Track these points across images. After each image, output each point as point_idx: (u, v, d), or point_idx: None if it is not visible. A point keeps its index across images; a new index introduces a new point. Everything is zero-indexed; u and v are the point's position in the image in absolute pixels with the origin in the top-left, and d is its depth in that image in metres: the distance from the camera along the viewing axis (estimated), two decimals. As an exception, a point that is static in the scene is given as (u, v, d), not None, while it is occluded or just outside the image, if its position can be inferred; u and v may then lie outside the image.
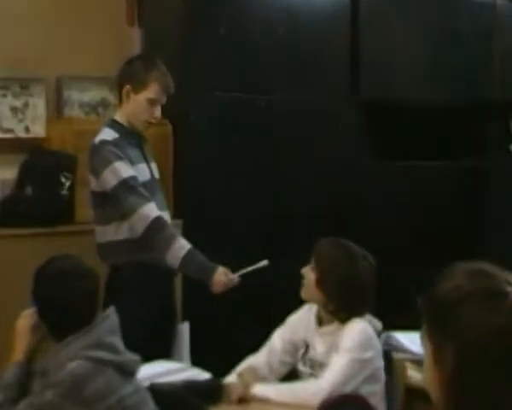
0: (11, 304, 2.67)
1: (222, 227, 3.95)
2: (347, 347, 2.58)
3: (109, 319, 2.32)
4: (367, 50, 4.33)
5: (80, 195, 3.56)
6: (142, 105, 3.18)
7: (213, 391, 2.64)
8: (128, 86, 3.19)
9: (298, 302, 2.79)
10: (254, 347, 2.86)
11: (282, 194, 4.10)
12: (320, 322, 2.75)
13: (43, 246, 3.28)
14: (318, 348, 2.71)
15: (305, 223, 4.12)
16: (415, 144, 4.38)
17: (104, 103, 4.06)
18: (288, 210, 4.11)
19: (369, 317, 2.70)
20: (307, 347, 2.76)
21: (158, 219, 3.07)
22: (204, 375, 2.81)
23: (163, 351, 3.14)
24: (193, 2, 4.00)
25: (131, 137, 3.21)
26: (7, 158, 3.76)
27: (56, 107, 3.99)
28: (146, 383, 2.51)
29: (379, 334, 2.76)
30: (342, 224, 4.11)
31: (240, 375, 2.74)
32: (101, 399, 2.19)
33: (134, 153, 3.18)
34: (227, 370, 2.81)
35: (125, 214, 3.09)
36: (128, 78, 3.21)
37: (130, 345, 2.37)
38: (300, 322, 2.80)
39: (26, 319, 2.35)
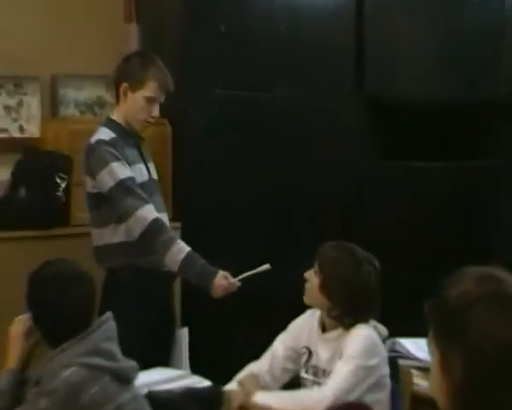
0: (4, 309, 2.67)
1: (222, 230, 3.95)
2: (352, 353, 2.58)
3: (106, 324, 2.32)
4: (372, 46, 4.33)
5: (76, 196, 3.56)
6: (139, 104, 3.19)
7: (213, 399, 2.64)
8: (125, 84, 3.19)
9: (300, 307, 2.79)
10: (256, 353, 2.86)
11: (284, 194, 4.10)
12: (323, 328, 2.75)
13: (37, 249, 3.28)
14: (322, 354, 2.71)
15: (307, 223, 4.13)
16: (419, 143, 4.38)
17: (100, 102, 4.06)
18: (288, 210, 4.12)
19: (374, 322, 2.70)
20: (310, 353, 2.76)
21: (156, 222, 3.07)
22: (204, 382, 2.81)
23: (161, 358, 3.14)
24: (192, -3, 4.02)
25: (129, 136, 3.21)
26: (0, 158, 3.77)
27: (51, 106, 3.99)
28: (144, 391, 2.52)
29: (384, 340, 2.75)
30: (343, 223, 4.13)
31: (241, 383, 2.74)
32: (98, 407, 2.19)
33: (131, 153, 3.18)
34: (227, 377, 2.81)
35: (121, 217, 3.09)
36: (125, 75, 3.21)
37: (128, 351, 2.37)
38: (303, 328, 2.80)
39: (20, 324, 2.35)
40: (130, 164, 3.13)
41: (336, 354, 2.65)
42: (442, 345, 1.33)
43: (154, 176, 3.30)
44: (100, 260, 3.20)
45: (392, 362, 2.81)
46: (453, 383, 1.30)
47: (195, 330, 3.38)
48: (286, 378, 2.83)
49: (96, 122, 3.43)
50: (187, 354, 3.26)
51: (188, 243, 3.12)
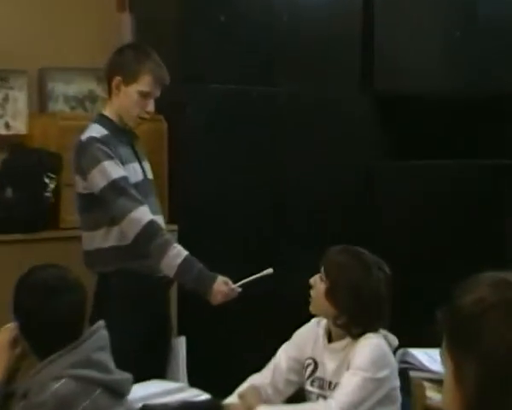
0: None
1: (221, 233, 3.96)
2: (360, 365, 2.58)
3: (98, 334, 2.32)
4: (380, 37, 4.34)
5: (65, 197, 3.56)
6: (133, 98, 3.19)
7: (212, 414, 2.64)
8: (118, 78, 3.20)
9: (305, 312, 2.78)
10: (257, 365, 2.85)
11: (284, 193, 4.11)
12: (330, 338, 2.75)
13: (24, 254, 3.29)
14: (328, 366, 2.71)
15: (308, 224, 4.15)
16: (430, 140, 4.39)
17: (92, 97, 4.07)
18: (289, 211, 4.12)
19: (383, 332, 2.70)
20: (316, 365, 2.75)
21: (151, 224, 3.07)
22: (202, 396, 2.81)
23: (157, 369, 3.14)
24: (190, -15, 4.02)
25: (122, 133, 3.21)
26: (-15, 157, 3.77)
27: (39, 101, 3.99)
28: (138, 405, 2.52)
29: (395, 351, 2.75)
30: (346, 224, 4.13)
31: (241, 396, 2.74)
32: (89, 422, 2.19)
33: (125, 151, 3.18)
34: (227, 390, 2.81)
35: (114, 219, 3.09)
36: (118, 68, 3.22)
37: (121, 362, 2.38)
38: (308, 338, 2.80)
39: (6, 334, 2.35)
40: (123, 163, 3.13)
41: (343, 366, 2.64)
42: (456, 355, 1.33)
43: (149, 175, 3.30)
44: (91, 265, 3.21)
45: (403, 374, 2.82)
46: (467, 395, 1.30)
47: (193, 339, 3.38)
48: (290, 391, 2.83)
49: (86, 118, 3.43)
50: (184, 364, 3.26)
51: (185, 246, 3.12)
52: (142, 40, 3.98)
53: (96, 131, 3.14)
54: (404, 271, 2.88)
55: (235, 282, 3.11)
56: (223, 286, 3.07)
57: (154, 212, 3.15)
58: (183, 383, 3.06)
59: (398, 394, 2.69)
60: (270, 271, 3.12)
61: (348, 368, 2.60)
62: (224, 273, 3.11)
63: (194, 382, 3.06)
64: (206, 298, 3.09)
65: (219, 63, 3.99)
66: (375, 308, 2.66)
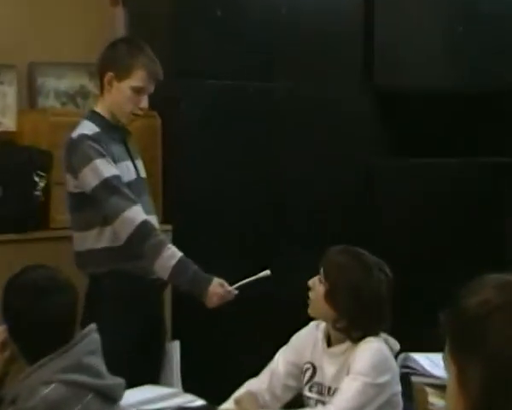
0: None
1: (217, 233, 3.96)
2: (360, 370, 2.58)
3: (89, 337, 2.32)
4: (381, 31, 4.34)
5: (56, 196, 3.56)
6: (126, 94, 3.19)
7: (207, 420, 2.64)
8: (110, 73, 3.20)
9: (303, 316, 2.78)
10: (254, 369, 2.85)
11: (282, 192, 4.11)
12: (329, 341, 2.75)
13: (13, 254, 3.28)
14: (327, 371, 2.71)
15: (307, 224, 4.15)
16: (431, 137, 4.39)
17: (83, 92, 4.06)
18: (287, 210, 4.13)
19: (384, 335, 2.70)
20: (314, 370, 2.76)
21: (144, 224, 3.07)
22: (197, 401, 2.81)
23: (150, 374, 3.15)
24: (185, -22, 4.02)
25: (114, 131, 3.21)
26: (-28, 155, 3.77)
27: (29, 96, 3.99)
28: (131, 411, 2.52)
29: (396, 355, 2.75)
30: (345, 224, 4.13)
31: (238, 402, 2.74)
32: (80, 428, 2.19)
33: (117, 149, 3.18)
34: (223, 396, 2.81)
35: (106, 219, 3.10)
36: (110, 63, 3.22)
37: (113, 367, 2.38)
38: (307, 341, 2.80)
39: (-5, 337, 2.35)
40: (115, 161, 3.14)
41: (343, 371, 2.64)
42: (460, 358, 1.33)
43: (143, 174, 3.30)
44: (82, 267, 3.20)
45: (405, 379, 2.82)
46: (471, 399, 1.30)
47: (188, 342, 3.39)
48: (287, 397, 2.83)
49: (78, 114, 3.43)
50: (178, 369, 3.26)
51: (179, 247, 3.12)
52: (135, 34, 3.98)
53: (87, 128, 3.14)
54: (404, 271, 2.88)
55: (231, 284, 3.11)
56: (218, 288, 3.08)
57: (147, 212, 3.15)
58: (178, 389, 3.06)
59: (399, 400, 2.69)
60: (267, 273, 3.12)
61: (348, 373, 2.60)
62: (220, 275, 3.11)
63: (188, 387, 3.06)
64: (201, 301, 3.09)
65: (215, 58, 3.99)
66: (375, 311, 2.66)
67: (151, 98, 3.27)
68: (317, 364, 2.75)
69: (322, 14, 4.23)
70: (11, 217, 3.52)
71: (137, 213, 3.08)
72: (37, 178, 3.55)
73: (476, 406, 1.30)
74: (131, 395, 2.60)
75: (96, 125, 3.16)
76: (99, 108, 3.24)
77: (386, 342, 2.68)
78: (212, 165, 3.97)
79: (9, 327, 2.31)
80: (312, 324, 2.83)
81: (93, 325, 2.37)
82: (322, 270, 2.72)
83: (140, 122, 3.42)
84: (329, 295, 2.68)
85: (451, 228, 4.48)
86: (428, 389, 2.80)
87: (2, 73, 3.85)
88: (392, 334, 2.71)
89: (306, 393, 2.77)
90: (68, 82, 4.03)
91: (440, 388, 2.68)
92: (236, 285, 3.12)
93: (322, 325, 2.78)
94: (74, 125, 3.18)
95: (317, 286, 2.72)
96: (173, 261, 3.05)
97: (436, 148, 4.47)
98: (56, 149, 3.42)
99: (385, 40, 4.36)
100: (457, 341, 1.35)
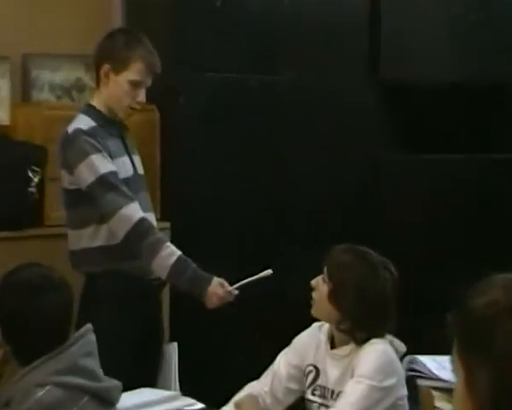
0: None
1: (217, 231, 3.96)
2: (365, 372, 2.58)
3: (85, 338, 2.33)
4: (388, 21, 4.34)
5: (50, 193, 3.56)
6: (123, 87, 3.19)
7: (207, 424, 2.65)
8: (107, 65, 3.20)
9: (306, 316, 2.78)
10: (255, 372, 2.86)
11: (284, 188, 4.11)
12: (332, 343, 2.75)
13: (7, 252, 3.29)
14: (330, 373, 2.71)
15: (309, 222, 4.15)
16: (440, 132, 4.39)
17: (79, 85, 4.06)
18: (289, 207, 4.13)
19: (389, 337, 2.70)
20: (317, 372, 2.76)
21: (142, 222, 3.07)
22: (196, 405, 2.81)
23: (147, 376, 3.15)
24: (184, -33, 4.02)
25: (111, 125, 3.21)
26: (-36, 149, 3.77)
27: (22, 89, 3.99)
28: (128, 415, 2.52)
29: (402, 357, 2.76)
30: (349, 222, 4.13)
31: (238, 405, 2.75)
32: (75, 432, 2.20)
33: (114, 144, 3.19)
34: (223, 399, 2.82)
35: (103, 216, 3.10)
36: (107, 55, 3.22)
37: (110, 369, 2.38)
38: (309, 343, 2.80)
39: (-13, 338, 2.36)
40: (112, 157, 3.14)
41: (347, 373, 2.64)
42: (468, 360, 1.33)
43: (140, 170, 3.31)
44: (77, 266, 3.21)
45: (411, 382, 2.82)
46: (480, 402, 1.31)
47: (186, 344, 3.39)
48: (289, 400, 2.83)
49: (73, 108, 3.43)
50: (176, 371, 3.27)
51: (178, 245, 3.12)
52: (132, 25, 3.98)
53: (83, 122, 3.14)
54: (408, 270, 2.87)
55: (231, 284, 3.11)
56: (219, 288, 3.08)
57: (145, 209, 3.15)
58: (176, 392, 3.06)
59: (405, 403, 2.69)
60: (269, 272, 3.12)
61: (352, 376, 2.61)
62: (220, 275, 3.12)
63: (187, 390, 3.06)
64: (200, 301, 3.09)
65: (215, 50, 3.99)
66: (380, 311, 2.66)
67: (149, 91, 3.27)
68: (320, 366, 2.75)
69: (325, 4, 4.23)
70: (4, 214, 3.52)
71: (135, 211, 3.08)
72: (31, 174, 3.56)
73: (485, 409, 1.31)
74: (128, 399, 2.60)
75: (92, 119, 3.16)
76: (95, 102, 3.24)
77: (392, 343, 2.68)
78: (213, 160, 3.97)
79: (2, 328, 2.32)
80: (315, 325, 2.83)
81: (89, 326, 2.38)
82: (325, 269, 2.72)
83: (137, 116, 3.42)
84: (333, 296, 2.68)
85: (460, 226, 4.48)
86: (435, 393, 2.80)
87: (-6, 65, 3.85)
88: (397, 335, 2.72)
89: (309, 396, 2.77)
90: (64, 74, 4.03)
91: (448, 391, 2.68)
92: (237, 285, 3.12)
93: (326, 326, 2.79)
94: (69, 120, 3.18)
95: (320, 286, 2.72)
96: (172, 260, 3.05)
97: (443, 143, 4.47)
98: (51, 144, 3.42)
99: (391, 30, 4.35)
100: (465, 342, 1.35)
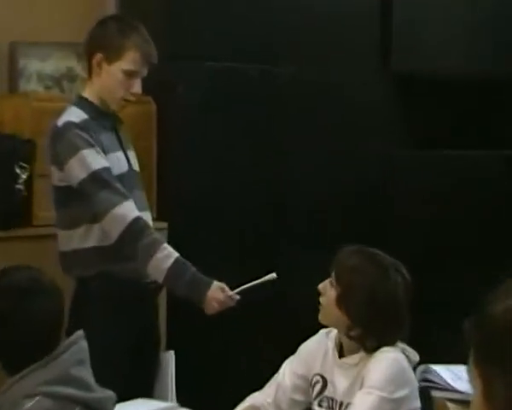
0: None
1: (216, 232, 3.96)
2: (375, 383, 2.58)
3: (76, 345, 2.33)
4: (399, 11, 4.34)
5: (39, 190, 3.57)
6: (117, 78, 3.20)
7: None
8: (100, 54, 3.20)
9: (312, 321, 2.79)
10: (257, 381, 2.86)
11: (286, 186, 4.12)
12: (341, 352, 2.76)
13: (-8, 254, 3.30)
14: (338, 384, 2.71)
15: (313, 222, 4.15)
16: (455, 128, 4.40)
17: (70, 76, 4.07)
18: (291, 205, 4.14)
19: (402, 345, 2.70)
20: (325, 382, 2.76)
21: (137, 222, 3.08)
22: (194, 417, 2.82)
23: (143, 386, 3.15)
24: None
25: (104, 118, 3.22)
26: None
27: (9, 79, 3.99)
28: (122, 427, 2.53)
29: (415, 367, 2.76)
30: (355, 224, 4.14)
31: (240, 417, 2.76)
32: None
33: (107, 138, 3.19)
34: (223, 410, 2.83)
35: (95, 215, 3.10)
36: (100, 44, 3.22)
37: (103, 379, 2.38)
38: (316, 351, 2.80)
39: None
40: (105, 152, 3.14)
41: (356, 384, 2.65)
42: (485, 370, 1.34)
43: (135, 166, 3.31)
44: (68, 269, 3.21)
45: (424, 394, 2.82)
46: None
47: (184, 352, 3.40)
48: (295, 413, 2.84)
49: (64, 100, 3.44)
50: (173, 381, 3.27)
51: (175, 247, 3.13)
52: (127, 12, 3.98)
53: (74, 114, 3.15)
54: (422, 272, 2.88)
55: (232, 288, 3.12)
56: (219, 293, 3.08)
57: (140, 208, 3.15)
58: (172, 403, 3.07)
59: (418, 416, 2.70)
60: (273, 276, 3.13)
61: (361, 387, 2.61)
62: (220, 279, 3.12)
63: (184, 400, 3.07)
64: (199, 306, 3.10)
65: (214, 38, 4.00)
66: (392, 317, 2.66)
67: (145, 82, 3.27)
68: (327, 376, 2.75)
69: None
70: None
71: (129, 210, 3.09)
72: (18, 170, 3.56)
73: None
74: (122, 409, 2.61)
75: (84, 111, 3.17)
76: (87, 93, 3.24)
77: (404, 352, 2.68)
78: (212, 155, 3.97)
79: (-12, 334, 2.33)
80: (322, 332, 2.83)
81: (80, 333, 2.38)
82: (333, 273, 2.72)
83: (132, 109, 3.42)
84: (342, 300, 2.68)
85: (473, 226, 4.49)
86: (450, 405, 2.80)
87: (-21, 53, 3.86)
88: (409, 343, 2.72)
89: (316, 408, 2.77)
90: (53, 64, 4.04)
91: (464, 403, 2.68)
92: (238, 290, 3.12)
93: (333, 333, 2.79)
94: (59, 112, 3.18)
95: (328, 291, 2.72)
96: (169, 263, 3.05)
97: (458, 139, 4.48)
98: (40, 138, 3.43)
99: (403, 20, 4.36)
100: (483, 351, 1.36)
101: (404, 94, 4.36)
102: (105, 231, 3.10)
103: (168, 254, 3.07)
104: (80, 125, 3.11)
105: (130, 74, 3.20)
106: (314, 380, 2.78)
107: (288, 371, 2.82)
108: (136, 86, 3.23)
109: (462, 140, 4.46)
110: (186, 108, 3.95)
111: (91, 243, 3.15)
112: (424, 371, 2.93)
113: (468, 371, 1.39)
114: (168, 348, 3.48)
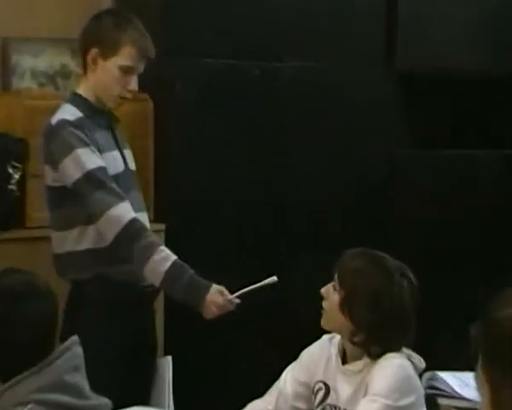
0: None
1: (215, 234, 3.96)
2: (379, 390, 2.58)
3: (71, 351, 2.33)
4: (405, 6, 4.34)
5: (33, 191, 3.56)
6: (113, 74, 3.20)
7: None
8: (95, 50, 3.20)
9: (312, 322, 2.79)
10: (257, 388, 2.86)
11: (286, 186, 4.12)
12: (344, 358, 2.76)
13: (-15, 257, 3.29)
14: (342, 391, 2.71)
15: (314, 223, 4.15)
16: (458, 126, 4.40)
17: (64, 72, 4.07)
18: (292, 205, 4.13)
19: (407, 351, 2.70)
20: (327, 390, 2.76)
21: (133, 223, 3.08)
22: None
23: (139, 393, 3.16)
24: None
25: (99, 116, 3.22)
26: None
27: (2, 77, 3.99)
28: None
29: (421, 374, 2.76)
30: (356, 224, 4.14)
31: (239, 425, 2.76)
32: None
33: (103, 137, 3.19)
34: (222, 419, 2.83)
35: (90, 217, 3.10)
36: (95, 39, 3.22)
37: (98, 385, 2.38)
38: (319, 357, 2.80)
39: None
40: (101, 151, 3.14)
41: (360, 391, 2.64)
42: (493, 377, 1.34)
43: (131, 166, 3.31)
44: (62, 272, 3.21)
45: (431, 401, 2.82)
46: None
47: (182, 358, 3.39)
48: (296, 421, 2.84)
49: (58, 97, 3.44)
50: (170, 388, 3.27)
51: (173, 249, 3.13)
52: (123, 6, 3.98)
53: (68, 112, 3.15)
54: (423, 274, 2.87)
55: (232, 291, 3.11)
56: (218, 297, 3.08)
57: (136, 209, 3.15)
58: (169, 410, 3.08)
59: (424, 424, 2.70)
60: (273, 279, 3.12)
61: (365, 394, 2.60)
62: (218, 282, 3.12)
63: (182, 408, 3.08)
64: (197, 311, 3.09)
65: (212, 34, 4.00)
66: (397, 322, 2.66)
67: (141, 79, 3.27)
68: (330, 383, 2.75)
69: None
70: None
71: (125, 211, 3.08)
72: (11, 170, 3.56)
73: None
74: (118, 418, 2.61)
75: (79, 109, 3.17)
76: (82, 90, 3.24)
77: (410, 358, 2.68)
78: (210, 154, 3.97)
79: (-20, 340, 2.32)
80: (325, 337, 2.83)
81: (75, 338, 2.38)
82: (336, 276, 2.72)
83: (129, 106, 3.42)
84: (345, 305, 2.68)
85: (473, 226, 4.49)
86: (457, 413, 2.81)
87: (-30, 50, 3.86)
88: (415, 349, 2.72)
89: (318, 416, 2.78)
90: (47, 60, 4.04)
91: (470, 411, 2.69)
92: (238, 293, 3.12)
93: (336, 338, 2.78)
94: (53, 110, 3.18)
95: (331, 295, 2.72)
96: (166, 266, 3.05)
97: (458, 138, 4.48)
98: (33, 137, 3.43)
99: (409, 15, 4.36)
100: (490, 358, 1.36)
101: (406, 93, 4.36)
102: (100, 233, 3.10)
103: (165, 257, 3.06)
104: (75, 124, 3.11)
105: (126, 70, 3.20)
106: (316, 387, 2.78)
107: (290, 378, 2.81)
108: (133, 83, 3.23)
109: (463, 140, 4.47)
110: (184, 105, 3.95)
111: (86, 245, 3.15)
112: (430, 379, 2.93)
113: (476, 378, 1.39)
114: (165, 353, 3.48)
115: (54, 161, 3.12)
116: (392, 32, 4.33)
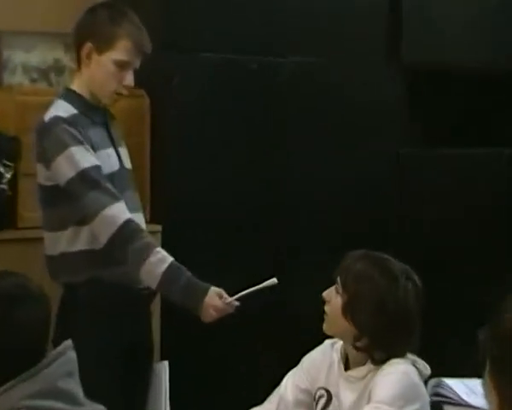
0: None
1: (214, 235, 3.96)
2: (383, 397, 2.58)
3: (64, 356, 2.33)
4: (409, 7, 4.35)
5: (25, 190, 3.57)
6: (108, 69, 3.20)
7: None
8: (89, 44, 3.20)
9: (314, 328, 2.79)
10: (257, 395, 2.86)
11: (287, 184, 4.12)
12: (347, 364, 2.76)
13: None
14: (344, 398, 2.71)
15: (309, 223, 4.14)
16: (465, 123, 4.40)
17: (57, 67, 4.07)
18: (292, 205, 4.14)
19: (412, 357, 2.70)
20: (329, 397, 2.76)
21: (128, 224, 3.08)
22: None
23: (135, 399, 3.16)
24: None
25: (94, 113, 3.22)
26: None
27: (-7, 72, 4.00)
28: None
29: (426, 380, 2.76)
30: (356, 224, 4.14)
31: (238, 433, 2.76)
32: None
33: (98, 134, 3.19)
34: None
35: (84, 217, 3.10)
36: (89, 33, 3.22)
37: (92, 391, 2.38)
38: (321, 363, 2.80)
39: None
40: (95, 149, 3.14)
41: (363, 398, 2.64)
42: (501, 384, 1.34)
43: (127, 165, 3.31)
44: (55, 274, 3.21)
45: (436, 409, 2.82)
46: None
47: (179, 362, 3.40)
48: (297, 428, 2.84)
49: (51, 93, 3.44)
50: (167, 394, 3.27)
51: (170, 251, 3.13)
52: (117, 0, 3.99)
53: (62, 109, 3.15)
54: (423, 274, 2.87)
55: (231, 294, 3.11)
56: (216, 299, 3.08)
57: (132, 209, 3.15)
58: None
59: (429, 432, 2.70)
60: (273, 281, 3.12)
61: (369, 401, 2.60)
62: (217, 284, 3.11)
63: (179, 415, 3.08)
64: (195, 314, 3.09)
65: (211, 28, 4.00)
66: (402, 327, 2.66)
67: (137, 74, 3.27)
68: (332, 390, 2.75)
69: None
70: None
71: (120, 211, 3.08)
72: (2, 169, 3.56)
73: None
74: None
75: (73, 105, 3.17)
76: (76, 86, 3.24)
77: (415, 364, 2.68)
78: (209, 153, 3.97)
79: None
80: (327, 343, 2.83)
81: (68, 342, 2.37)
82: (338, 279, 2.72)
83: (124, 102, 3.42)
84: (348, 309, 2.68)
85: (473, 225, 4.50)
86: (464, 421, 2.81)
87: (-39, 44, 3.86)
88: (420, 355, 2.72)
89: (320, 424, 2.78)
90: (39, 55, 4.04)
91: (478, 419, 2.69)
92: (237, 296, 3.12)
93: (339, 344, 2.79)
94: (46, 106, 3.18)
95: (333, 299, 2.72)
96: (163, 268, 3.05)
97: (458, 137, 4.49)
98: (25, 135, 3.43)
99: (413, 10, 4.36)
100: (498, 364, 1.36)
101: (408, 91, 4.37)
102: (94, 234, 3.10)
103: (162, 259, 3.06)
104: (68, 120, 3.11)
105: (122, 65, 3.20)
106: (318, 394, 2.78)
107: (291, 385, 2.81)
108: (129, 78, 3.22)
109: (463, 139, 4.47)
110: (181, 102, 3.95)
111: (80, 246, 3.15)
112: (436, 385, 2.93)
113: (483, 385, 1.39)
114: (162, 357, 3.48)
115: (47, 160, 3.12)
116: (395, 31, 4.33)
